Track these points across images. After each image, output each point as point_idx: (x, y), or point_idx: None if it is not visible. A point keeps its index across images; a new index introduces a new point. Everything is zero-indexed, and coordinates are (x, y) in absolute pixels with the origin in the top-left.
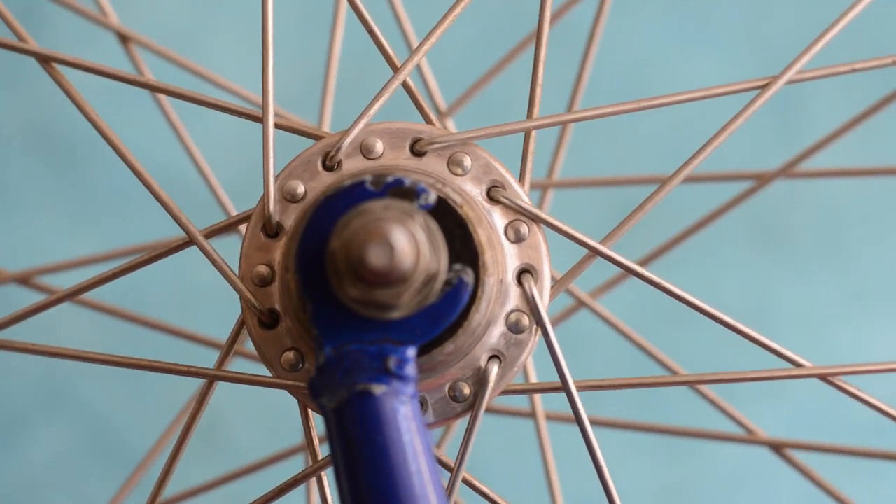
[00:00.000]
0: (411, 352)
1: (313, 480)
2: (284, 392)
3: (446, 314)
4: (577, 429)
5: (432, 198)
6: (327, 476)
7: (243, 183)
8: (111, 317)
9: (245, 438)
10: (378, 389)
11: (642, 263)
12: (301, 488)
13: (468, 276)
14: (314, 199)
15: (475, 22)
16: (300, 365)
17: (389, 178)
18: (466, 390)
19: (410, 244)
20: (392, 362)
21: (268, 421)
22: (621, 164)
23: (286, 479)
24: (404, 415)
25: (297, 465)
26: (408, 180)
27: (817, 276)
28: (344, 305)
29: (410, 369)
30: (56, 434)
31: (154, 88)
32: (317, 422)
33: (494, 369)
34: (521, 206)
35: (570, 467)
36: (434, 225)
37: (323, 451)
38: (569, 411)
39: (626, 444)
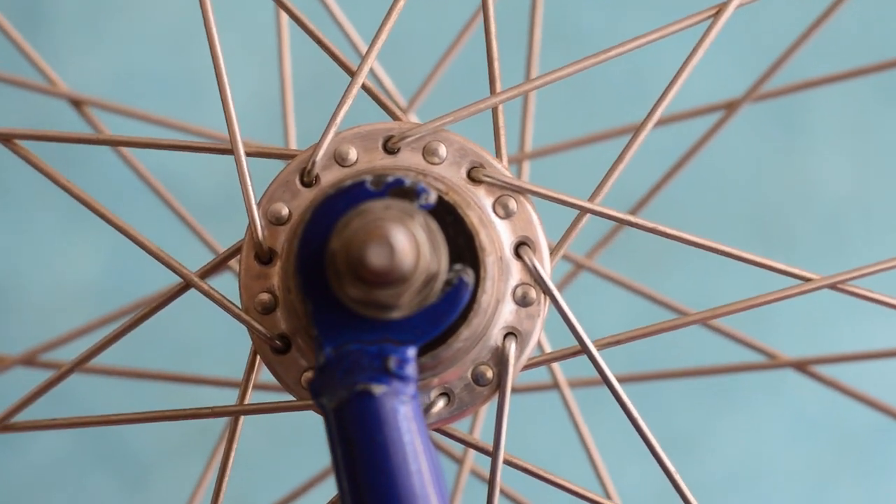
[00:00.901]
0: (411, 352)
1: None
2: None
3: (446, 314)
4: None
5: (432, 197)
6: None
7: (232, 185)
8: (119, 377)
9: (243, 438)
10: (378, 389)
11: (632, 212)
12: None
13: (468, 276)
14: (300, 217)
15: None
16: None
17: (389, 178)
18: (489, 373)
19: (410, 244)
20: (392, 362)
21: (267, 420)
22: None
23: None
24: (404, 415)
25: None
26: (408, 180)
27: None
28: (344, 305)
29: (410, 369)
30: (56, 436)
31: (116, 143)
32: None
33: (512, 346)
34: (504, 181)
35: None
36: (434, 225)
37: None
38: (591, 374)
39: (627, 446)
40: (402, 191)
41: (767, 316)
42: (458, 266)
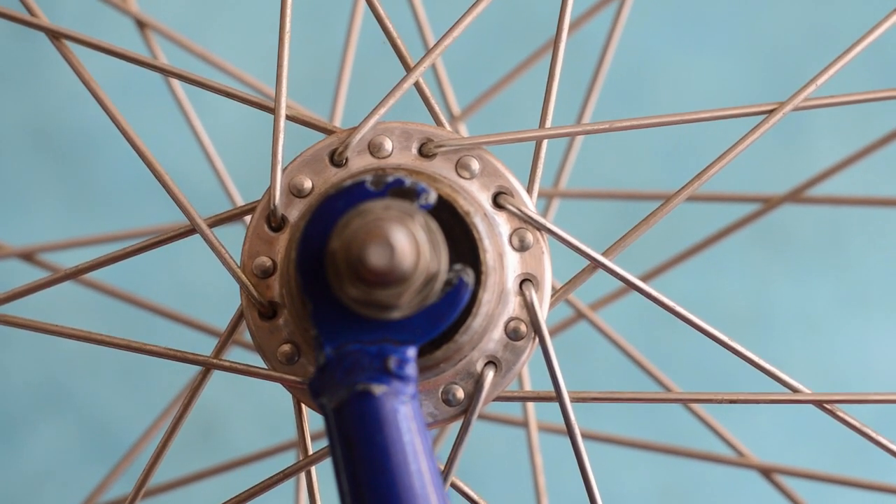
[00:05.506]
0: (411, 352)
1: (303, 476)
2: (284, 392)
3: (446, 314)
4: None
5: (432, 198)
6: (317, 472)
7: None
8: (111, 297)
9: (244, 440)
10: (378, 389)
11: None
12: (291, 484)
13: (468, 276)
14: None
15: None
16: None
17: (389, 178)
18: (522, 326)
19: (410, 244)
20: (392, 362)
21: (266, 420)
22: (624, 165)
23: (275, 473)
24: (404, 415)
25: (290, 460)
26: (408, 180)
27: (817, 276)
28: (344, 305)
29: (410, 369)
30: (55, 434)
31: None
32: (311, 417)
33: (531, 291)
34: (456, 145)
35: (567, 477)
36: (434, 225)
37: (314, 447)
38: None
39: (628, 449)
40: (402, 191)
41: (768, 317)
42: (458, 266)
